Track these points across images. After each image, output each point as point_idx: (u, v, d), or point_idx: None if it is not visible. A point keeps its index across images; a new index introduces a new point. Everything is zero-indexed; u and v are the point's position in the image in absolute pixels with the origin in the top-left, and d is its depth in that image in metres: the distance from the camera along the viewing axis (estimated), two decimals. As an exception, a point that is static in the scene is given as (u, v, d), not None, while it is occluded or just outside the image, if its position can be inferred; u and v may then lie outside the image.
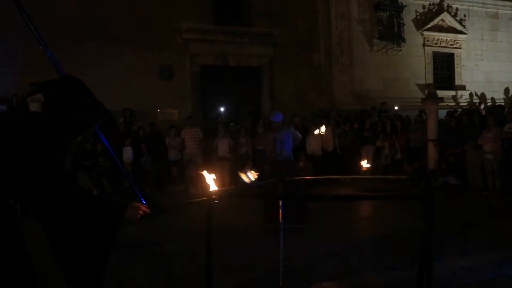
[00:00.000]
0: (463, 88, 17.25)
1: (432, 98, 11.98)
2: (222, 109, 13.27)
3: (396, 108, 14.78)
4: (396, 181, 9.69)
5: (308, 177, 7.37)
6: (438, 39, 17.00)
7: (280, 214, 3.71)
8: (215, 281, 2.94)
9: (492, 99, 16.94)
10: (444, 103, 13.88)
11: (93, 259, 2.37)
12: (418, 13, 16.75)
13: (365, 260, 5.08)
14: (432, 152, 11.30)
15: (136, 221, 2.48)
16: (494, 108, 13.38)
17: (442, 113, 13.23)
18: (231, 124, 12.47)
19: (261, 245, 5.50)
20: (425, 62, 16.76)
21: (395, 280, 4.26)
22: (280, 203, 3.72)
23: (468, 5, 17.49)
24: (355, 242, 5.89)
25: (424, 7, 16.85)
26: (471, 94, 17.15)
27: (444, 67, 17.34)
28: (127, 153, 10.74)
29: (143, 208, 2.50)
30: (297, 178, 5.90)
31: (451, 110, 14.19)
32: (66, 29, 11.68)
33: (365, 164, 5.62)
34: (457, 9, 17.31)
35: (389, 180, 10.20)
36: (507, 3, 18.03)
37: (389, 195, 6.01)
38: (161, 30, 13.11)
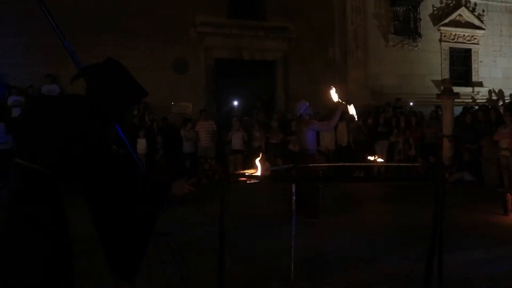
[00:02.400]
0: (480, 84, 17.00)
1: (448, 93, 11.84)
2: (235, 102, 13.29)
3: (411, 104, 14.64)
4: (409, 168, 9.64)
5: (322, 165, 7.27)
6: (455, 34, 16.77)
7: (293, 202, 3.69)
8: (228, 268, 2.99)
9: (511, 96, 16.65)
10: (460, 100, 13.69)
11: (137, 237, 2.50)
12: (435, 8, 16.53)
13: (378, 251, 5.06)
14: (447, 148, 11.19)
15: (179, 197, 2.62)
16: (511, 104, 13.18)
17: (458, 110, 13.08)
18: (245, 117, 12.49)
19: (276, 232, 5.57)
20: (441, 57, 16.55)
21: (408, 271, 4.23)
22: (293, 190, 3.70)
23: (487, 0, 17.21)
24: (368, 234, 5.87)
25: (441, 2, 16.61)
26: (490, 92, 16.88)
27: (461, 63, 17.10)
28: (141, 144, 10.82)
29: (187, 186, 2.65)
30: (311, 165, 5.88)
31: (467, 106, 14.01)
32: (82, 20, 11.78)
33: (371, 158, 5.58)
34: (475, 4, 17.04)
35: (403, 167, 10.15)
36: (527, -2, 17.72)
37: (401, 177, 5.98)
38: (176, 23, 13.15)
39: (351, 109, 5.36)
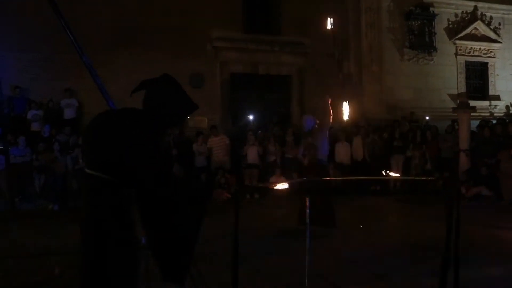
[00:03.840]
0: (497, 98, 16.85)
1: (464, 107, 11.77)
2: (251, 117, 13.36)
3: (427, 118, 14.55)
4: (424, 182, 9.61)
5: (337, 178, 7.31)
6: (471, 48, 16.70)
7: (307, 215, 3.71)
8: (241, 282, 3.02)
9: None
10: (477, 113, 13.58)
11: (186, 241, 2.70)
12: (450, 22, 16.52)
13: (392, 266, 5.02)
14: (463, 162, 11.08)
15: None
16: (529, 118, 13.03)
17: (475, 124, 12.96)
18: (259, 131, 12.54)
19: (290, 247, 5.58)
20: (457, 71, 16.48)
21: (421, 287, 4.20)
22: (307, 203, 3.73)
23: (503, 13, 17.13)
24: (382, 249, 5.84)
25: (456, 15, 16.60)
26: (507, 107, 16.70)
27: (477, 77, 17.00)
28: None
29: (226, 193, 2.96)
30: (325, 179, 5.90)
31: (484, 120, 13.88)
32: (100, 35, 12.06)
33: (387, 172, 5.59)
34: (491, 18, 16.97)
35: (419, 182, 10.12)
36: (544, 11, 17.57)
37: (414, 191, 5.93)
38: (192, 38, 13.35)
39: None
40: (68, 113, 12.02)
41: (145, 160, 2.56)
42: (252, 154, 11.51)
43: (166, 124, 2.81)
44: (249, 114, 13.36)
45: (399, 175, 10.79)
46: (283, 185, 3.82)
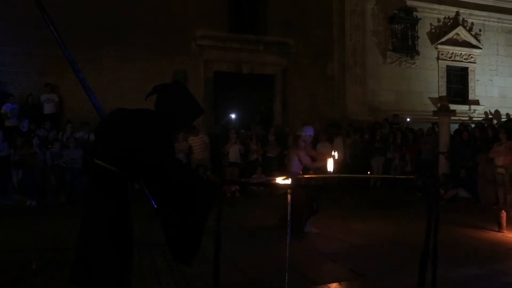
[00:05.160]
0: (476, 103, 17.16)
1: (444, 110, 11.94)
2: (233, 115, 13.34)
3: (408, 120, 14.73)
4: (405, 181, 9.72)
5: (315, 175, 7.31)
6: (453, 53, 16.97)
7: (289, 212, 3.73)
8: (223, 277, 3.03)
9: (507, 115, 16.76)
10: (457, 117, 13.80)
11: (196, 225, 2.87)
12: (432, 27, 16.75)
13: (371, 264, 5.07)
14: (443, 165, 11.24)
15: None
16: (506, 122, 13.27)
17: (455, 127, 13.16)
18: (242, 130, 12.54)
19: (271, 244, 5.62)
20: (438, 75, 16.73)
21: (400, 285, 4.25)
22: (289, 199, 3.75)
23: (484, 20, 17.45)
24: (361, 246, 5.90)
25: (439, 20, 16.84)
26: (486, 113, 16.99)
27: (458, 81, 17.28)
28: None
29: (233, 186, 3.36)
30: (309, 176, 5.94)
31: (463, 124, 14.11)
32: (84, 31, 11.90)
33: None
34: (472, 24, 17.27)
35: (399, 181, 10.25)
36: (524, 19, 17.95)
37: (393, 187, 5.92)
38: (176, 36, 13.29)
39: (330, 164, 5.13)
40: (48, 108, 11.83)
41: (162, 153, 2.81)
42: (233, 152, 11.50)
43: (175, 126, 3.09)
44: (232, 113, 13.34)
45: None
46: (284, 180, 3.85)
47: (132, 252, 2.85)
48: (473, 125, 14.28)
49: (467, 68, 17.26)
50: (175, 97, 3.01)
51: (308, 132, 6.92)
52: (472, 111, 16.92)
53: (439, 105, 13.00)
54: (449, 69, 17.00)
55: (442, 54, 16.81)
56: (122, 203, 2.79)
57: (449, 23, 16.98)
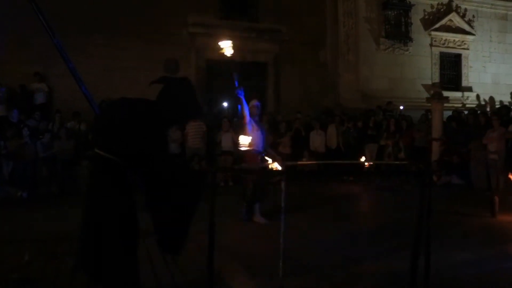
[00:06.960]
0: (469, 89, 17.15)
1: (437, 97, 11.92)
2: (225, 104, 13.26)
3: (401, 107, 14.71)
4: (398, 167, 9.73)
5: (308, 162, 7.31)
6: (446, 39, 16.91)
7: (282, 199, 3.73)
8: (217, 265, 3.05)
9: (501, 102, 16.76)
10: (450, 104, 13.78)
11: (184, 217, 2.95)
12: (426, 13, 16.67)
13: (365, 251, 5.06)
14: (436, 151, 11.25)
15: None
16: (499, 109, 13.29)
17: (448, 114, 13.16)
18: (235, 119, 12.45)
19: (264, 232, 5.61)
20: (431, 62, 16.68)
21: (393, 270, 4.24)
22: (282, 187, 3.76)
23: (477, 6, 17.39)
24: (355, 232, 5.90)
25: (432, 6, 16.76)
26: (478, 96, 17.01)
27: (451, 68, 17.25)
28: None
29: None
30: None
31: (456, 110, 14.12)
32: (75, 19, 11.75)
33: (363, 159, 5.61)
34: (465, 10, 17.21)
35: (392, 166, 10.27)
36: (517, 4, 17.91)
37: (387, 173, 5.95)
38: (168, 23, 13.15)
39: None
40: (38, 98, 11.68)
41: (156, 144, 2.89)
42: (226, 140, 11.43)
43: (171, 120, 3.12)
44: (224, 101, 13.25)
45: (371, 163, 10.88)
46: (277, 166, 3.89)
47: (137, 240, 2.93)
48: (466, 112, 14.30)
49: (460, 55, 17.22)
50: (180, 93, 3.04)
51: (255, 103, 6.97)
52: (465, 97, 16.91)
53: (432, 92, 12.98)
54: (443, 55, 16.95)
55: (435, 41, 16.74)
56: (126, 191, 2.86)
57: (442, 9, 16.90)
